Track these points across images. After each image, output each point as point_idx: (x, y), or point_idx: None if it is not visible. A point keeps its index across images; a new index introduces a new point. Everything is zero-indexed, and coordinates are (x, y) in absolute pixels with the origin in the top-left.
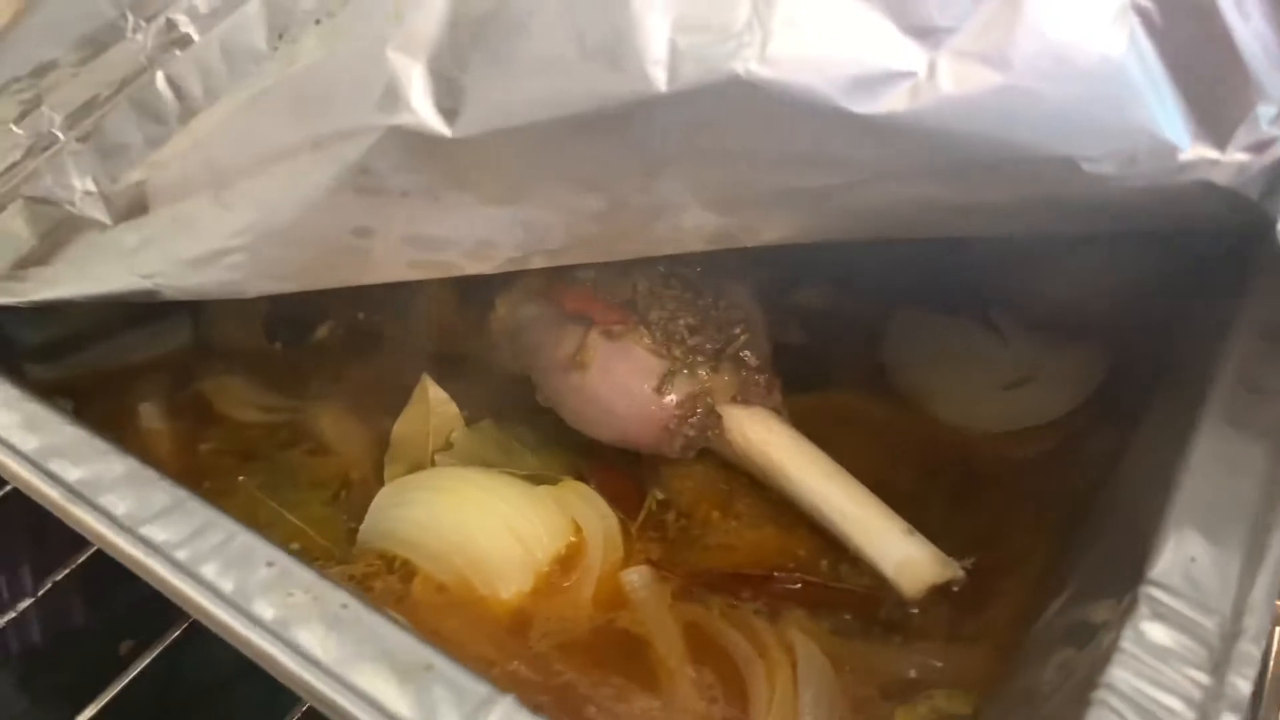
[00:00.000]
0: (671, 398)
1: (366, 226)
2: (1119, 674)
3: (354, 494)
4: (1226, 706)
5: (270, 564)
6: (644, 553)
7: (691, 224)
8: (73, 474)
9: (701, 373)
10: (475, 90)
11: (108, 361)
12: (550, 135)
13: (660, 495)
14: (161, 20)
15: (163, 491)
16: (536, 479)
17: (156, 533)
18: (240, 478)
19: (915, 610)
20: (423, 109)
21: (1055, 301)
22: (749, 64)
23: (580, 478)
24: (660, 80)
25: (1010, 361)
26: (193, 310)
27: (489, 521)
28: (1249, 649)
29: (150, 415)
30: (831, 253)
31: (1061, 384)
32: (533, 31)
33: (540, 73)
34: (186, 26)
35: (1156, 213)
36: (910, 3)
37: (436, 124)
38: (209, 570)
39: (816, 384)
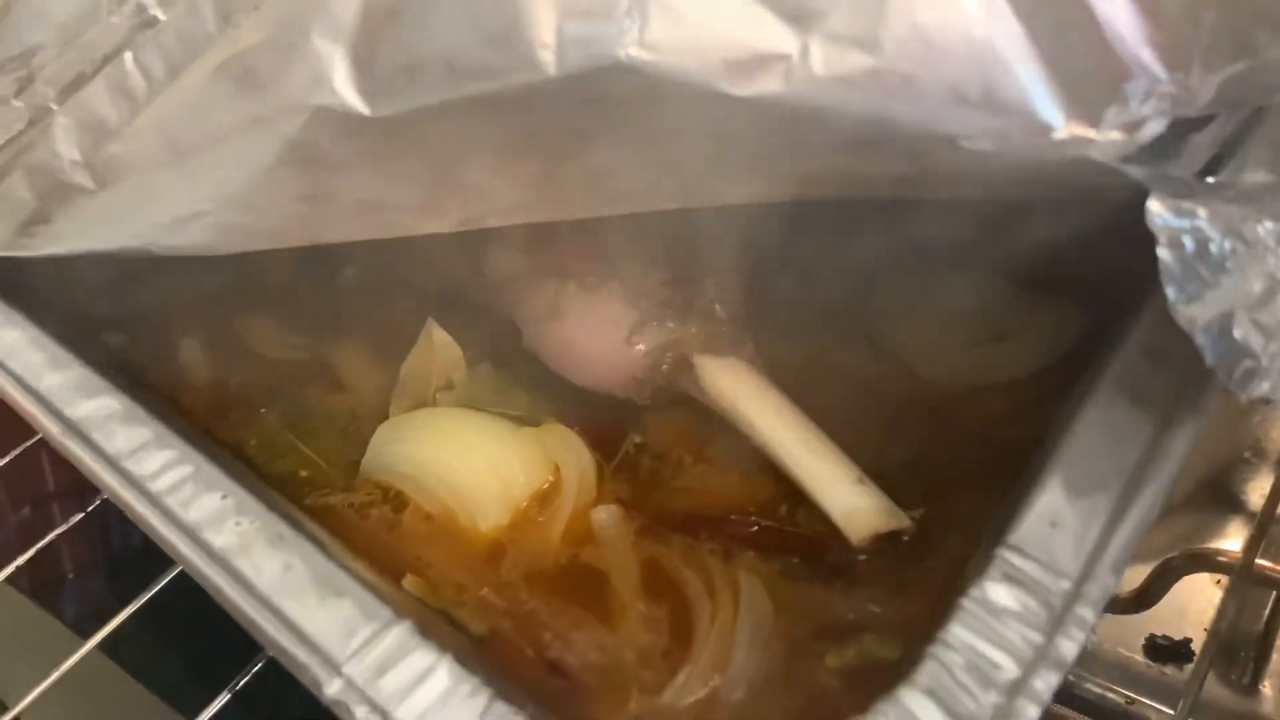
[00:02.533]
0: (640, 347)
1: (314, 193)
2: (956, 630)
3: (362, 428)
4: (1049, 665)
5: (225, 496)
6: (615, 492)
7: (633, 187)
8: (76, 410)
9: (670, 324)
10: (389, 74)
11: (156, 299)
12: (465, 113)
13: (638, 439)
14: (132, 3)
15: (147, 427)
16: (525, 421)
17: (137, 465)
18: (262, 410)
19: (862, 556)
20: (345, 91)
21: (1035, 263)
22: (629, 49)
23: (566, 420)
24: (550, 64)
25: (986, 319)
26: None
27: (474, 460)
28: (1085, 613)
29: (190, 350)
30: (822, 207)
31: (1033, 343)
32: (437, 20)
33: (445, 57)
34: (154, 9)
35: (1050, 183)
36: None
37: (358, 104)
38: (174, 500)
39: (803, 337)
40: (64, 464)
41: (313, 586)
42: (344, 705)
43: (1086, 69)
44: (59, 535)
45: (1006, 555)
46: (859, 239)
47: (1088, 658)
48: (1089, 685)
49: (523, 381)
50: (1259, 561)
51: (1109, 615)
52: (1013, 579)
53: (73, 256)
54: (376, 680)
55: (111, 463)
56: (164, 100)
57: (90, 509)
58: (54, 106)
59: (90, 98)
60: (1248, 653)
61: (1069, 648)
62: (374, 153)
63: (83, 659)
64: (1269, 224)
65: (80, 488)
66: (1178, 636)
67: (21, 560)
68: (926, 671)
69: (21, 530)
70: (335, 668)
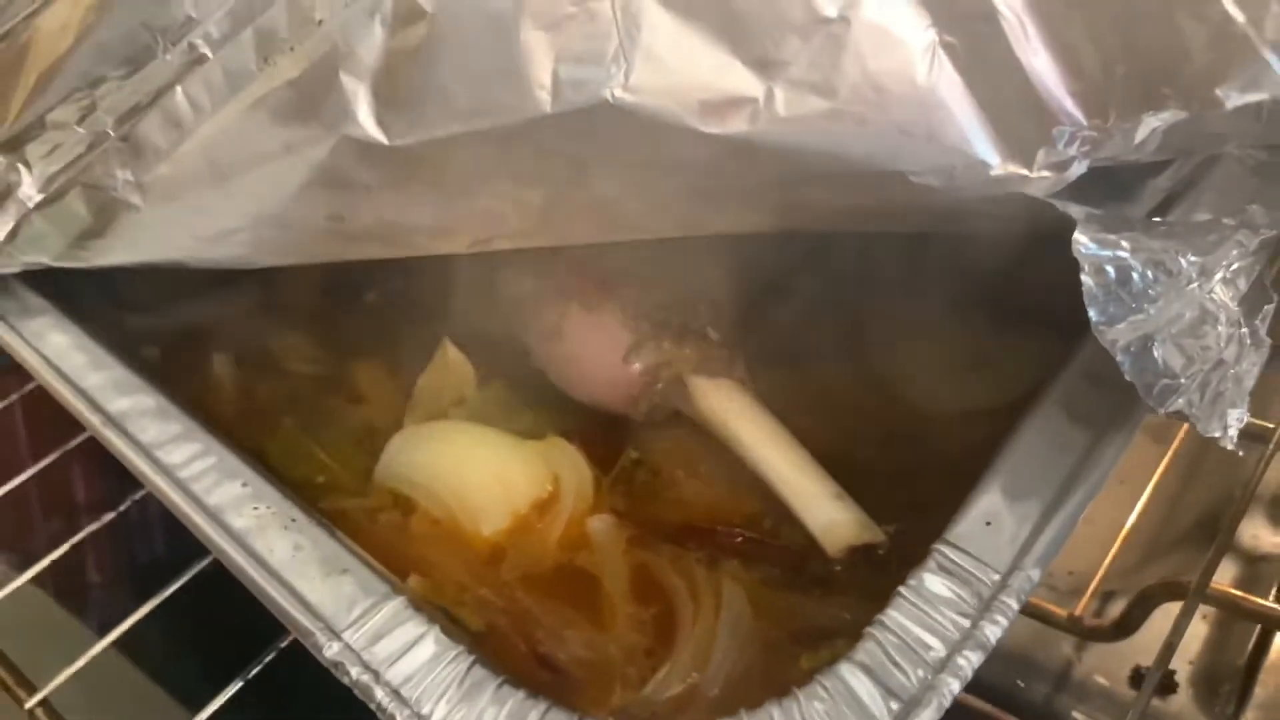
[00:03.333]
0: (636, 366)
1: (339, 213)
2: (893, 614)
3: (377, 438)
4: (972, 646)
5: (245, 484)
6: (611, 503)
7: (632, 216)
8: (115, 405)
9: (666, 345)
10: (406, 108)
11: (191, 316)
12: (474, 144)
13: (635, 454)
14: (184, 44)
15: (177, 422)
16: (531, 435)
17: (168, 454)
18: (285, 419)
19: (838, 568)
20: (367, 123)
21: (1019, 295)
22: (615, 90)
23: (568, 435)
24: (546, 103)
25: (970, 347)
26: (264, 274)
27: (480, 470)
28: (1009, 601)
29: (221, 363)
30: (816, 239)
31: (1012, 371)
32: (448, 62)
33: (454, 95)
34: (203, 49)
35: (999, 215)
36: (751, 39)
37: (379, 135)
38: (199, 486)
39: (797, 362)
40: (92, 477)
41: (318, 565)
42: (342, 665)
43: (1019, 115)
44: (86, 543)
45: (944, 550)
46: (847, 268)
47: (1075, 687)
48: (1076, 715)
49: (530, 398)
50: (1242, 594)
51: (1093, 645)
52: (947, 570)
53: (121, 267)
54: (371, 646)
55: (145, 452)
56: (209, 128)
57: (113, 516)
58: (111, 132)
59: (144, 125)
60: (1231, 686)
61: (993, 631)
62: (393, 178)
63: (102, 654)
64: (1192, 257)
65: (106, 500)
66: None
67: (47, 561)
68: (864, 650)
69: (51, 539)
70: (335, 634)
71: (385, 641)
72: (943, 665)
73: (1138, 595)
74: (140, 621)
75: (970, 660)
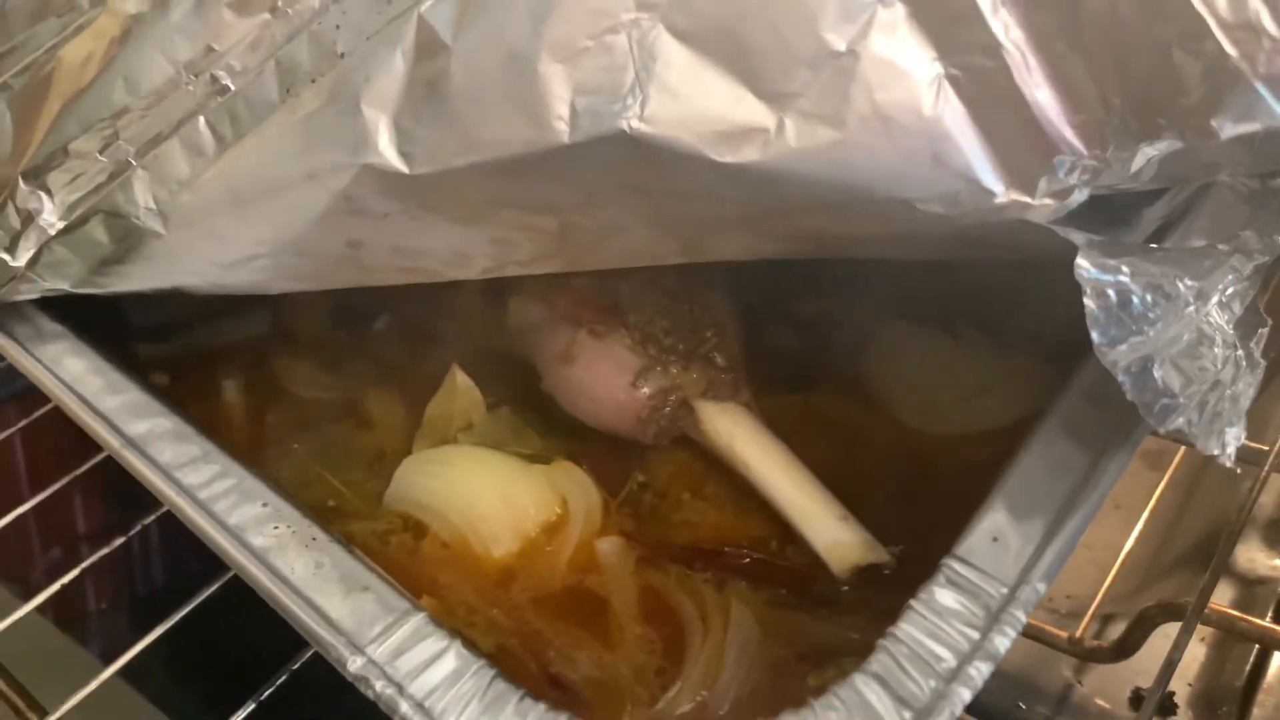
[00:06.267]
0: (645, 391)
1: (358, 240)
2: (904, 627)
3: (387, 463)
4: (983, 657)
5: (265, 504)
6: (619, 525)
7: (642, 242)
8: (133, 428)
9: (673, 370)
10: (426, 138)
11: (200, 343)
12: (492, 173)
13: (642, 477)
14: (207, 75)
15: (195, 444)
16: (538, 459)
17: (187, 476)
18: (295, 445)
19: (845, 588)
20: (388, 152)
21: (1018, 321)
22: (632, 121)
23: (576, 458)
24: (564, 133)
25: (971, 373)
26: (273, 302)
27: (489, 494)
28: (1016, 613)
29: (230, 390)
30: (822, 267)
31: (1013, 396)
32: (468, 93)
33: (475, 125)
34: (225, 80)
35: (1002, 242)
36: (762, 73)
37: (398, 164)
38: (220, 506)
39: (800, 386)
40: (93, 506)
41: (339, 582)
42: (366, 680)
43: (1021, 144)
44: (86, 571)
45: (953, 565)
46: (851, 295)
47: (1075, 709)
48: None
49: (537, 423)
50: (1239, 615)
51: (1093, 668)
52: (956, 584)
53: (139, 293)
54: (394, 661)
55: (166, 473)
56: (230, 157)
57: (121, 542)
58: (133, 161)
59: (166, 154)
60: (1229, 707)
61: (1001, 642)
62: (411, 206)
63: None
64: (1189, 281)
65: (106, 529)
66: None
67: (56, 587)
68: (877, 661)
69: (50, 569)
70: (359, 649)
71: (408, 656)
72: (953, 675)
73: (1137, 617)
74: (144, 649)
75: (980, 670)
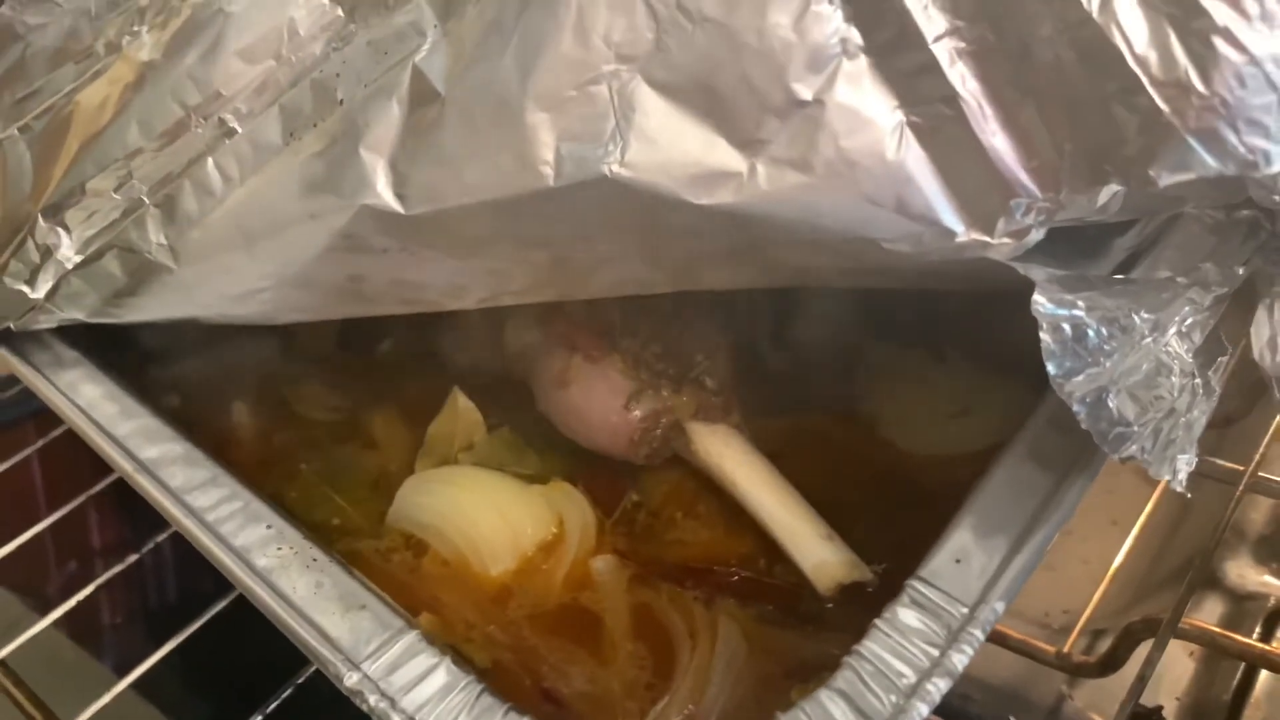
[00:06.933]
0: (637, 413)
1: (359, 274)
2: (869, 645)
3: (390, 482)
4: (940, 674)
5: (269, 526)
6: (613, 544)
7: (631, 273)
8: (146, 452)
9: (665, 393)
10: (421, 181)
11: (211, 366)
12: (484, 213)
13: (635, 497)
14: (215, 118)
15: (205, 469)
16: (536, 479)
17: (196, 499)
18: (302, 465)
19: (830, 605)
20: (385, 193)
21: (1004, 344)
22: (613, 166)
23: (573, 478)
24: (550, 177)
25: (956, 394)
26: (282, 327)
27: (488, 513)
28: (975, 632)
29: (240, 411)
30: (809, 293)
31: (996, 417)
32: (459, 140)
33: (465, 170)
34: (232, 123)
35: (967, 276)
36: (735, 121)
37: (395, 205)
38: (227, 528)
39: (791, 408)
40: (108, 523)
41: (338, 601)
42: (361, 694)
43: (980, 187)
44: (101, 586)
45: (917, 585)
46: (839, 319)
47: None
48: None
49: (536, 444)
50: (1220, 630)
51: (1085, 683)
52: (919, 604)
53: (150, 323)
54: (388, 676)
55: (176, 496)
56: (238, 196)
57: (135, 559)
58: (146, 200)
59: (177, 193)
60: None
61: (960, 659)
62: (408, 243)
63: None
64: (1145, 314)
65: (120, 545)
66: (1151, 704)
67: (73, 602)
68: (841, 678)
69: (66, 584)
70: (355, 665)
71: (401, 672)
72: (913, 691)
73: (1122, 632)
74: (156, 662)
75: (939, 686)
